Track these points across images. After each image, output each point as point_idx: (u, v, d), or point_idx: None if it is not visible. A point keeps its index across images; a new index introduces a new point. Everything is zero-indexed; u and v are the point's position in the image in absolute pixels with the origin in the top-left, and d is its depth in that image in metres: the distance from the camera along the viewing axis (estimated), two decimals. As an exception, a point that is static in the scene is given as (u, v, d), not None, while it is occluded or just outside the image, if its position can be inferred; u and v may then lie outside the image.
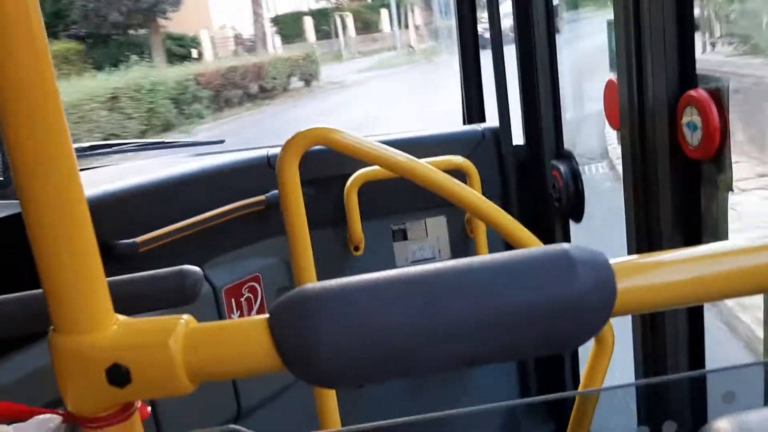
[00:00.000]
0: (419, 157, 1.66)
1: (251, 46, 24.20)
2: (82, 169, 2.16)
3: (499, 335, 0.53)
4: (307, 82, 19.63)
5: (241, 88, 17.25)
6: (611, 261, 0.55)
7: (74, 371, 0.53)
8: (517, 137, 2.23)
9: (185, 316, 0.55)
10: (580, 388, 1.60)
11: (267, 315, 0.54)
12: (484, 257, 0.56)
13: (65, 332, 0.52)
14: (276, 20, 26.05)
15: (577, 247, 0.55)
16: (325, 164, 2.05)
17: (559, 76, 2.09)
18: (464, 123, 2.51)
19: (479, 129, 2.27)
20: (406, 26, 26.34)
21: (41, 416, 0.56)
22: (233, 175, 2.02)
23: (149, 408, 0.62)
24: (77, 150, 2.30)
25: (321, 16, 25.96)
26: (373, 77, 19.53)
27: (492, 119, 2.32)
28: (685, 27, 1.36)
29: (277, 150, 1.67)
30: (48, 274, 0.51)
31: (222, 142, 2.56)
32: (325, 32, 25.18)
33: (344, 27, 25.35)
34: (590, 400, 1.37)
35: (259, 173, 2.04)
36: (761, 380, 1.30)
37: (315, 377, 0.54)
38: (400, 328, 0.52)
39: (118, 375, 0.52)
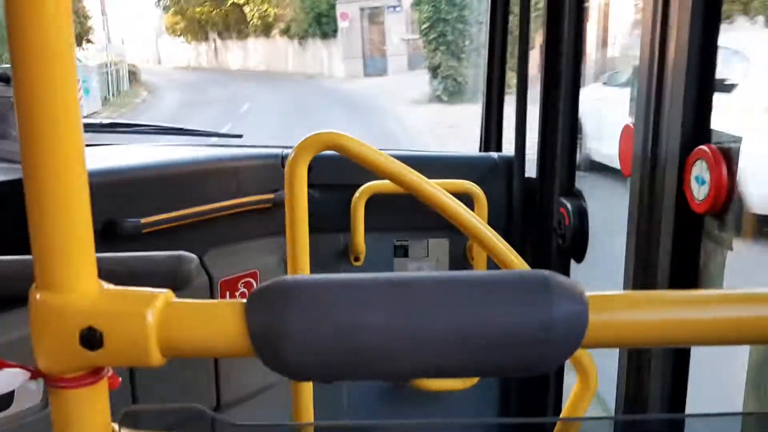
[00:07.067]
0: (431, 177, 1.67)
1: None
2: (95, 145, 2.19)
3: (468, 349, 0.54)
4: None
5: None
6: (588, 293, 0.56)
7: (49, 328, 0.54)
8: (531, 170, 2.24)
9: (165, 291, 0.56)
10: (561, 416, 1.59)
11: (245, 299, 0.55)
12: (465, 272, 0.56)
13: (46, 288, 0.53)
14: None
15: (556, 275, 0.56)
16: (336, 171, 2.06)
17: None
18: (480, 149, 2.53)
19: (494, 157, 2.28)
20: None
21: (9, 369, 0.57)
22: (246, 171, 2.04)
23: (120, 379, 0.63)
24: (95, 125, 2.34)
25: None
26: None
27: (508, 149, 2.33)
28: (706, 82, 1.36)
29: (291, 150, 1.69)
30: (37, 228, 0.53)
31: (240, 136, 2.59)
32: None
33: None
34: (570, 430, 1.37)
35: (272, 172, 2.06)
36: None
37: (282, 366, 0.54)
38: (372, 330, 0.53)
39: (92, 338, 0.53)
